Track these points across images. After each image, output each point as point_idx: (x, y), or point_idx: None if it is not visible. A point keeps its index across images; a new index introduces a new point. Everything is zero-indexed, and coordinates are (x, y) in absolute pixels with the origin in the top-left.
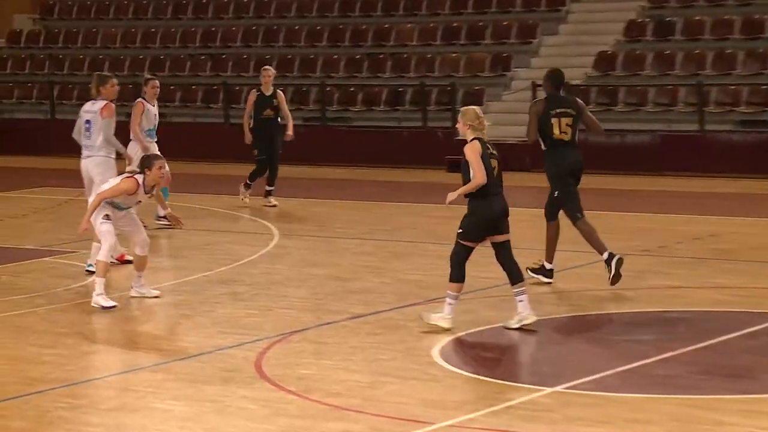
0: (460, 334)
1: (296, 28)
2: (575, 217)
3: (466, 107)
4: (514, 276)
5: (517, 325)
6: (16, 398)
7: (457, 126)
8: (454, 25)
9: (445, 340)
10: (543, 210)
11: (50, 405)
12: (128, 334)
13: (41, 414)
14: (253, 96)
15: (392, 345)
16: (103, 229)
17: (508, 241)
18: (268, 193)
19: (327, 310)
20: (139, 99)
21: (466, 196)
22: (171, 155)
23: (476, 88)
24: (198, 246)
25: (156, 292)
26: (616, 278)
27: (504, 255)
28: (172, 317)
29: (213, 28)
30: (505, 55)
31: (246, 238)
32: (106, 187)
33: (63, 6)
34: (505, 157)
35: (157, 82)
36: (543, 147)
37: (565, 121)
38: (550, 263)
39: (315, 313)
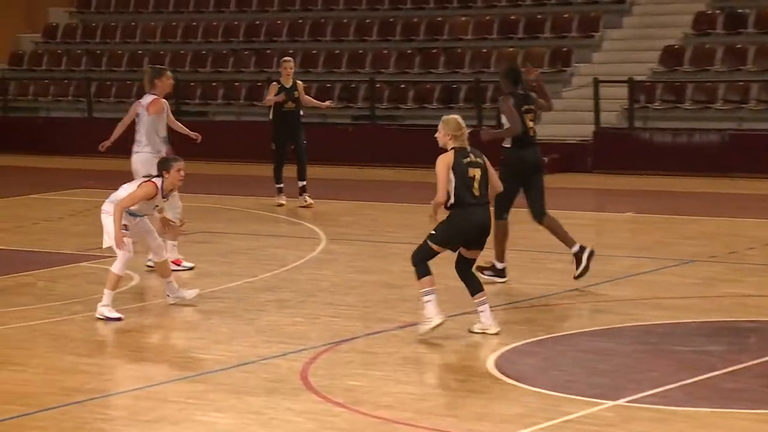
0: (516, 344)
1: (344, 21)
2: (501, 216)
3: (447, 116)
4: (474, 287)
5: (479, 331)
6: (52, 409)
7: (436, 136)
8: (512, 18)
9: (501, 350)
10: (600, 214)
11: (88, 416)
12: (168, 342)
13: (79, 426)
14: (274, 89)
15: (445, 355)
16: None
17: (475, 259)
18: (302, 190)
19: (377, 319)
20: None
21: (445, 207)
22: (213, 156)
23: (534, 84)
24: (242, 250)
25: (194, 292)
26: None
27: (464, 268)
28: (214, 325)
29: (257, 22)
30: (565, 49)
31: (292, 242)
32: (122, 194)
33: None
34: (566, 157)
35: None
36: (507, 144)
37: (529, 117)
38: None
39: (364, 321)
